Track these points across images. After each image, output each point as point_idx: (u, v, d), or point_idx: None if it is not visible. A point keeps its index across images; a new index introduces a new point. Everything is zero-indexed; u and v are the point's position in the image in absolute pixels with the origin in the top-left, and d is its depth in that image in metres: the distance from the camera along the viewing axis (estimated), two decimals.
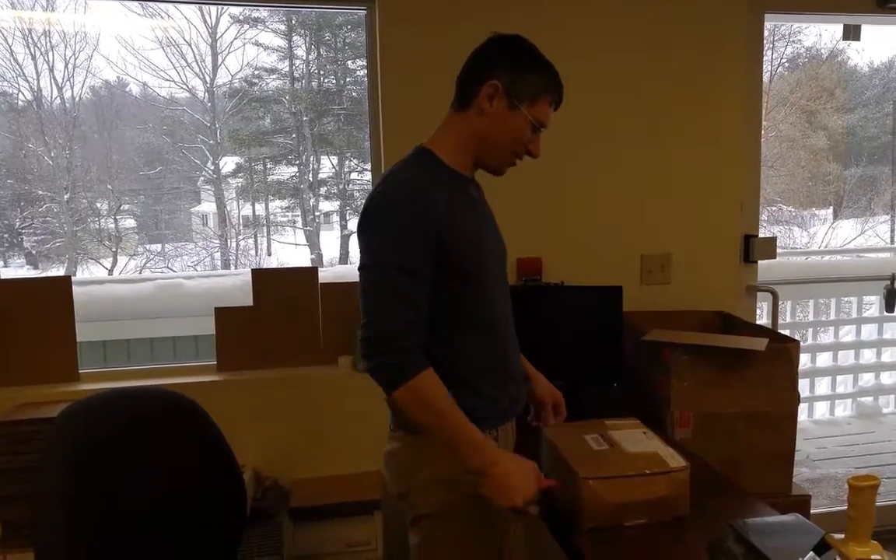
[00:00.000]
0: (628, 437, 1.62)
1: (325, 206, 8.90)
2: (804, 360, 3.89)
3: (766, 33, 2.73)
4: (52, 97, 8.03)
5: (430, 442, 1.41)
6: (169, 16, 7.43)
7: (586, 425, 1.69)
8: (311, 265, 5.47)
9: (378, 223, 1.36)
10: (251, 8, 7.06)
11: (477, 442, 1.33)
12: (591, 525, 1.44)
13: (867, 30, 2.89)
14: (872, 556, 1.02)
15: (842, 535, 1.08)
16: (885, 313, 3.58)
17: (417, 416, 1.34)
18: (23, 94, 7.84)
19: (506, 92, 1.40)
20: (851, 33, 2.85)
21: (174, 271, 8.49)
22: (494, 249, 1.54)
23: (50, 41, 7.67)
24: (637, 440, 1.61)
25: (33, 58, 7.65)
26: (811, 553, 1.08)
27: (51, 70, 7.81)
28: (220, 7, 7.37)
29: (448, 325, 1.41)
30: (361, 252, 1.38)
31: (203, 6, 6.83)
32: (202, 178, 8.94)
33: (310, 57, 8.58)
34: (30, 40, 7.56)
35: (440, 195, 1.38)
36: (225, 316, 2.43)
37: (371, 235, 1.37)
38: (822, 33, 8.46)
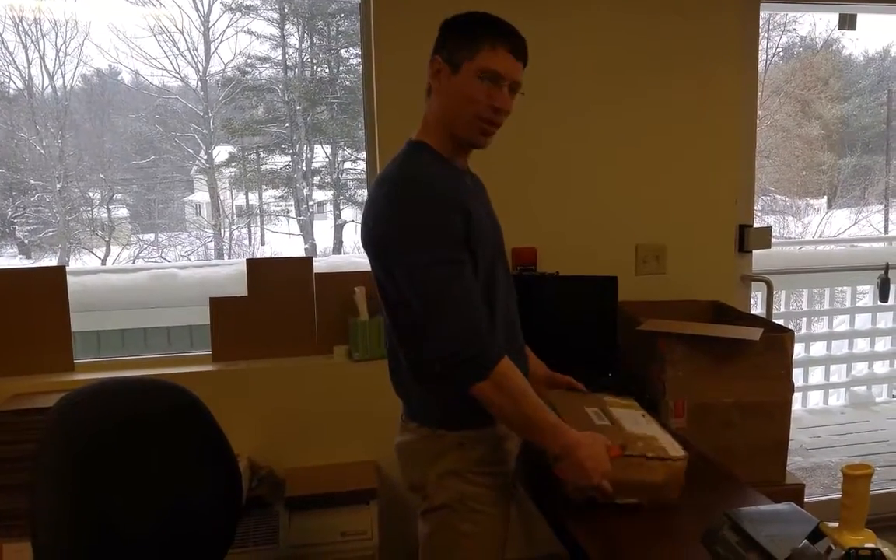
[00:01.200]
0: (627, 416, 1.61)
1: (318, 195, 8.87)
2: (798, 349, 3.90)
3: (761, 22, 2.72)
4: (43, 86, 7.97)
5: (445, 434, 1.42)
6: (161, 3, 7.38)
7: (586, 398, 1.67)
8: (305, 255, 5.45)
9: (416, 223, 1.33)
10: None
11: (555, 425, 1.35)
12: (583, 497, 1.43)
13: (862, 18, 2.89)
14: (866, 544, 1.03)
15: (836, 524, 1.09)
16: (879, 303, 3.60)
17: (500, 405, 1.32)
18: (14, 82, 7.78)
19: (447, 62, 1.38)
20: (847, 22, 2.84)
21: (168, 261, 8.47)
22: (496, 236, 1.54)
23: (41, 29, 7.60)
24: (637, 421, 1.60)
25: (24, 46, 7.58)
26: (805, 541, 1.09)
27: (42, 58, 7.74)
28: None
29: None
30: (406, 254, 1.33)
31: None
32: (195, 167, 8.89)
33: (303, 45, 8.53)
34: (20, 28, 7.49)
35: (454, 185, 1.39)
36: (220, 305, 2.42)
37: (412, 236, 1.32)
38: (816, 22, 8.46)
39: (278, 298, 2.42)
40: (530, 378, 1.61)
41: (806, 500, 2.23)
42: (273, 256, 2.48)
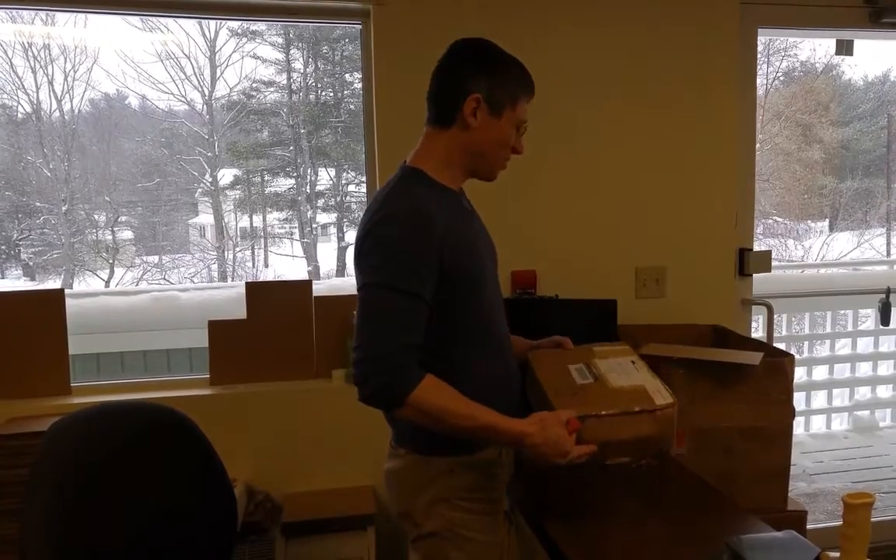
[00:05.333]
0: (615, 366, 1.51)
1: (322, 218, 8.90)
2: (800, 373, 3.88)
3: (760, 47, 2.74)
4: (51, 110, 8.05)
5: (433, 460, 1.41)
6: (168, 30, 7.47)
7: (572, 353, 1.59)
8: (306, 278, 5.46)
9: (380, 246, 1.33)
10: (249, 21, 7.08)
11: (499, 425, 1.32)
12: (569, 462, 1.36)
13: (860, 44, 2.90)
14: None
15: (837, 553, 1.07)
16: (881, 326, 3.58)
17: (432, 424, 1.32)
18: (22, 106, 7.86)
19: (487, 101, 1.40)
20: (844, 48, 2.86)
21: (171, 283, 8.49)
22: (491, 261, 1.54)
23: (50, 54, 7.69)
24: (624, 370, 1.51)
25: (33, 71, 7.67)
26: None
27: (50, 83, 7.83)
28: (218, 21, 7.40)
29: (448, 342, 1.39)
30: (363, 274, 1.35)
31: (202, 20, 6.86)
32: (200, 189, 8.94)
33: (307, 70, 8.61)
34: (30, 54, 7.58)
35: (440, 215, 1.36)
36: (218, 328, 2.42)
37: (372, 258, 1.34)
38: (816, 47, 8.51)
39: (277, 322, 2.42)
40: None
41: (809, 526, 2.20)
42: (272, 280, 2.48)
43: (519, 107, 1.43)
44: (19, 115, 7.91)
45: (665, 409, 1.39)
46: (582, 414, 1.35)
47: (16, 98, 7.76)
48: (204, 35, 8.11)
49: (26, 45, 7.36)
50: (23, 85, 7.63)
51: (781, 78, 9.08)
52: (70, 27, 7.38)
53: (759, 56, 2.77)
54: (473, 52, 1.45)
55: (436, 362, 1.34)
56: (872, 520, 1.09)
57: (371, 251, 1.34)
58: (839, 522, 1.05)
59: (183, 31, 7.69)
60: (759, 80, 2.81)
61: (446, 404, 1.31)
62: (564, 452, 1.32)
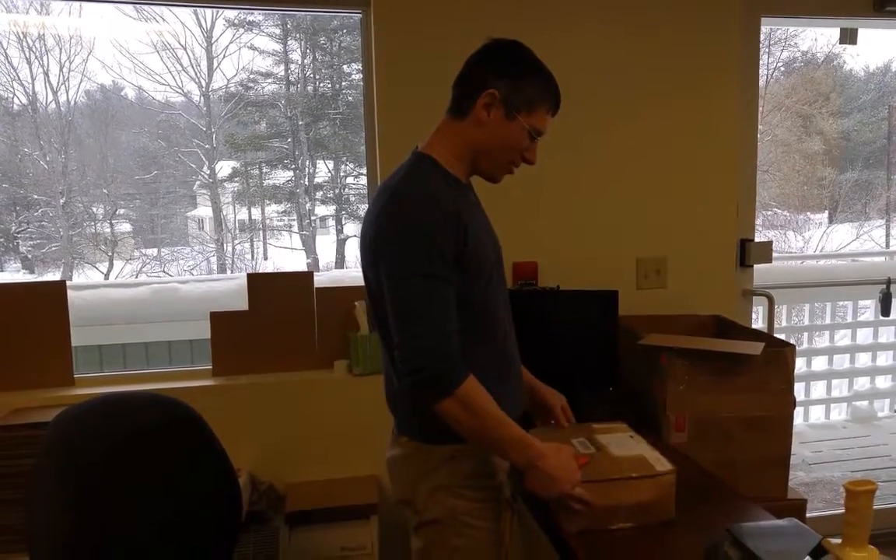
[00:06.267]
0: (615, 440, 1.62)
1: (321, 210, 8.89)
2: (800, 363, 3.90)
3: (762, 37, 2.74)
4: (47, 101, 8.02)
5: (435, 448, 1.42)
6: (164, 19, 7.43)
7: (573, 430, 1.69)
8: (306, 269, 5.46)
9: (408, 233, 1.33)
10: (246, 11, 7.05)
11: (522, 439, 1.36)
12: (576, 528, 1.45)
13: (863, 34, 2.90)
14: None
15: (839, 540, 1.08)
16: (881, 317, 3.59)
17: (465, 422, 1.31)
18: (18, 98, 7.83)
19: (503, 101, 1.39)
20: (848, 37, 2.85)
21: (170, 275, 8.49)
22: (495, 252, 1.54)
23: (45, 45, 7.66)
24: (623, 444, 1.60)
25: (28, 62, 7.64)
26: (808, 557, 1.08)
27: (46, 74, 7.79)
28: (214, 11, 7.36)
29: (467, 332, 1.39)
30: (393, 264, 1.34)
31: (198, 9, 6.82)
32: (198, 182, 8.92)
33: (305, 61, 8.59)
34: (25, 44, 7.54)
35: (453, 200, 1.37)
36: (220, 320, 2.42)
37: (402, 245, 1.33)
38: (817, 37, 8.49)
39: (279, 313, 2.42)
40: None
41: (808, 515, 2.21)
42: (274, 271, 2.47)
43: (535, 114, 1.42)
44: (15, 107, 7.88)
45: (665, 476, 1.47)
46: (586, 479, 1.43)
47: (11, 89, 7.73)
48: (200, 25, 8.07)
49: (21, 36, 7.33)
50: (18, 76, 7.60)
51: (782, 68, 9.06)
52: (65, 17, 7.34)
53: (760, 46, 2.77)
54: (504, 51, 1.44)
55: None
56: None
57: (396, 239, 1.34)
58: (838, 511, 1.07)
59: (178, 21, 7.66)
60: (759, 71, 2.80)
61: (486, 405, 1.33)
62: (573, 482, 1.39)
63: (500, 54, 1.44)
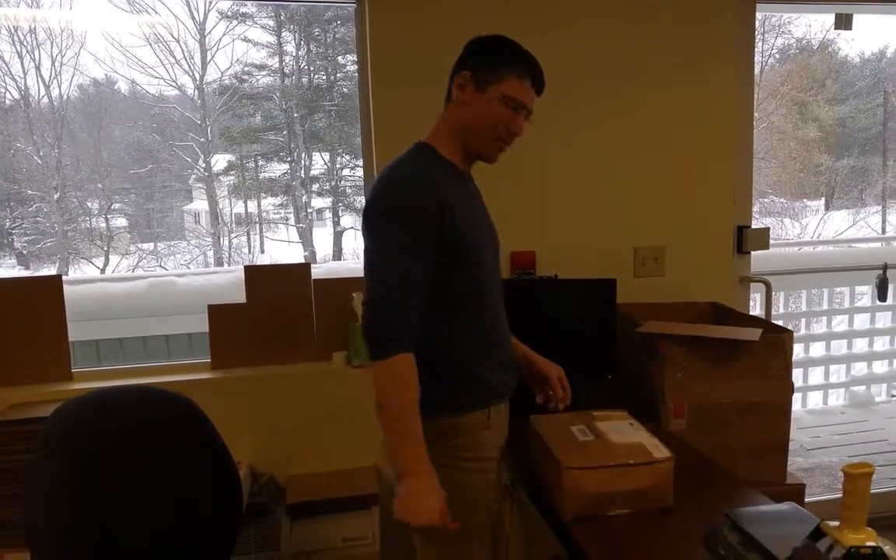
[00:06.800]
0: (614, 427, 1.63)
1: (317, 202, 8.88)
2: (797, 350, 3.91)
3: (756, 24, 2.73)
4: (39, 96, 7.98)
5: (426, 423, 1.42)
6: (155, 11, 7.38)
7: (573, 417, 1.69)
8: (304, 262, 5.45)
9: (390, 209, 1.42)
10: (239, 3, 7.00)
11: (418, 449, 1.36)
12: (574, 514, 1.46)
13: (858, 19, 2.89)
14: (867, 543, 1.02)
15: (837, 523, 1.09)
16: (878, 302, 3.61)
17: (380, 393, 1.38)
18: (10, 92, 7.78)
19: (473, 78, 1.47)
20: (843, 22, 2.84)
21: (166, 270, 8.46)
22: (490, 240, 1.59)
23: (36, 39, 7.61)
24: (623, 431, 1.61)
25: (20, 56, 7.59)
26: (807, 540, 1.09)
27: (37, 68, 7.75)
28: (207, 1, 7.31)
29: (445, 308, 1.46)
30: (372, 236, 1.43)
31: (190, 0, 6.77)
32: (194, 176, 8.90)
33: (300, 53, 8.55)
34: (16, 38, 7.49)
35: (442, 184, 1.44)
36: (218, 313, 2.42)
37: (384, 220, 1.42)
38: (812, 23, 8.48)
39: (277, 305, 2.42)
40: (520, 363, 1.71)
41: (806, 499, 2.22)
42: (271, 263, 2.48)
43: (506, 83, 1.46)
44: (7, 102, 7.84)
45: (663, 463, 1.48)
46: (584, 465, 1.46)
47: (3, 84, 7.69)
48: (193, 17, 8.02)
49: (12, 30, 7.27)
50: (10, 70, 7.55)
51: (777, 55, 9.05)
52: (56, 10, 7.28)
53: (755, 32, 2.76)
54: (477, 40, 1.53)
55: (426, 323, 1.42)
56: None
57: (376, 215, 1.43)
58: (836, 495, 1.07)
59: (171, 14, 7.61)
60: (755, 58, 2.79)
61: (403, 391, 1.36)
62: (426, 518, 1.34)
63: (476, 41, 1.52)
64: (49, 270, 7.87)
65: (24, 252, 8.26)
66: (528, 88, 1.50)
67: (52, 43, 7.69)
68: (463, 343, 1.49)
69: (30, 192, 8.15)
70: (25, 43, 7.59)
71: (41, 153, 8.11)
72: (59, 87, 8.04)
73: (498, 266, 1.63)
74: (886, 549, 1.02)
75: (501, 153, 1.55)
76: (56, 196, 8.13)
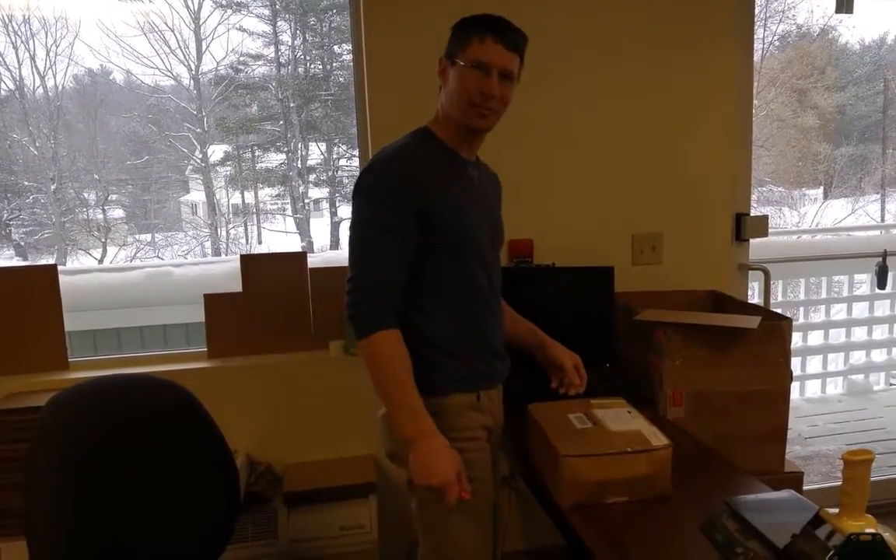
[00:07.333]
0: (612, 415, 1.62)
1: (314, 193, 8.86)
2: (796, 338, 3.91)
3: (757, 10, 2.71)
4: (34, 86, 7.94)
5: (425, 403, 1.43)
6: (150, 0, 7.33)
7: (571, 404, 1.69)
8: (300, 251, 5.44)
9: (367, 187, 1.45)
10: None
11: (418, 414, 1.39)
12: (571, 502, 1.45)
13: (859, 5, 2.85)
14: (867, 530, 1.02)
15: (836, 510, 1.08)
16: (877, 290, 3.60)
17: (372, 370, 1.41)
18: (5, 83, 7.75)
19: (447, 57, 1.51)
20: (844, 6, 2.81)
21: (163, 260, 8.45)
22: (485, 230, 1.57)
23: (30, 29, 7.57)
24: (621, 419, 1.61)
25: (14, 46, 7.55)
26: (806, 527, 1.08)
27: (32, 59, 7.71)
28: None
29: (425, 292, 1.48)
30: (352, 213, 1.48)
31: None
32: (190, 166, 8.87)
33: (295, 42, 8.51)
34: (10, 28, 7.45)
35: (427, 166, 1.47)
36: (214, 302, 2.41)
37: (360, 198, 1.46)
38: (813, 9, 8.44)
39: (273, 294, 2.41)
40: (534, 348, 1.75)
41: (804, 488, 2.22)
42: (267, 252, 2.46)
43: (469, 48, 1.46)
44: (2, 92, 7.80)
45: (660, 451, 1.47)
46: (581, 453, 1.45)
47: None
48: (187, 6, 7.98)
49: (6, 19, 7.23)
50: (4, 61, 7.52)
51: (777, 43, 9.02)
52: None
53: (755, 19, 2.74)
54: (453, 24, 1.53)
55: (406, 304, 1.45)
56: None
57: (357, 193, 1.47)
58: (834, 483, 1.07)
59: (165, 2, 7.56)
60: (755, 45, 2.77)
61: (394, 363, 1.40)
62: (446, 479, 1.36)
63: (453, 27, 1.54)
64: (47, 262, 7.86)
65: (22, 243, 8.25)
66: (493, 46, 1.46)
67: (46, 32, 7.66)
68: (443, 329, 1.50)
69: (26, 183, 8.13)
70: (20, 33, 7.55)
71: (37, 144, 8.08)
72: (55, 77, 8.01)
73: (495, 258, 1.62)
74: (886, 535, 1.01)
75: (488, 119, 1.50)
76: (53, 187, 8.11)
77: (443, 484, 1.36)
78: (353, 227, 1.46)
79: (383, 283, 1.42)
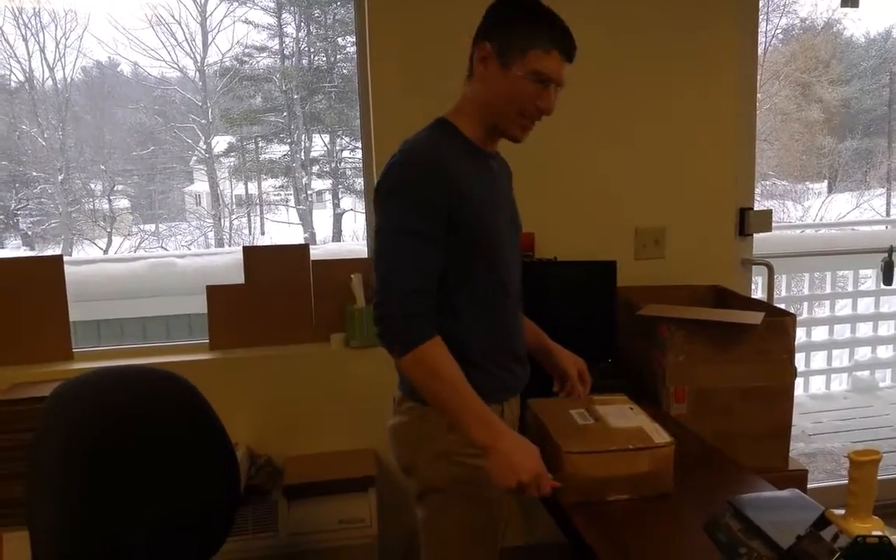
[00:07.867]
0: (614, 412, 1.61)
1: (317, 184, 8.87)
2: (800, 334, 3.88)
3: (760, 3, 2.68)
4: (43, 78, 7.97)
5: (438, 415, 1.38)
6: None
7: (573, 401, 1.67)
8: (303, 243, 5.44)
9: (395, 189, 1.35)
10: None
11: (484, 415, 1.31)
12: (573, 499, 1.44)
13: None
14: (874, 532, 1.00)
15: (842, 511, 1.07)
16: (883, 286, 3.57)
17: (425, 384, 1.32)
18: (15, 75, 7.78)
19: (496, 53, 1.36)
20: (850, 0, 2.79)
21: (167, 250, 8.48)
22: (509, 227, 1.52)
23: (40, 21, 7.59)
24: (623, 415, 1.59)
25: (24, 39, 7.58)
26: (811, 528, 1.07)
27: (42, 51, 7.73)
28: None
29: (457, 298, 1.40)
30: (379, 216, 1.36)
31: None
32: (195, 157, 8.89)
33: (300, 34, 8.50)
34: (20, 21, 7.47)
35: (455, 164, 1.36)
36: (217, 294, 2.40)
37: (388, 200, 1.35)
38: (817, 3, 8.38)
39: (275, 286, 2.40)
40: (538, 352, 1.67)
41: (809, 485, 2.21)
42: (270, 244, 2.46)
43: (531, 57, 1.35)
44: (12, 84, 7.83)
45: (663, 448, 1.46)
46: (584, 450, 1.43)
47: (8, 67, 7.68)
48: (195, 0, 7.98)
49: (16, 12, 7.25)
50: (14, 53, 7.54)
51: (780, 36, 8.96)
52: None
53: (759, 12, 2.72)
54: (499, 5, 1.41)
55: (438, 312, 1.35)
56: None
57: (384, 195, 1.36)
58: (839, 482, 1.06)
59: None
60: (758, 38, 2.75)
61: (446, 371, 1.30)
62: (534, 472, 1.29)
63: (499, 7, 1.41)
64: (53, 251, 7.89)
65: (29, 233, 8.28)
66: (558, 60, 1.37)
67: (56, 25, 7.68)
68: (476, 337, 1.42)
69: (34, 173, 8.16)
70: (30, 25, 7.57)
71: (45, 135, 8.11)
72: (63, 69, 8.03)
73: (516, 254, 1.56)
74: (894, 538, 1.00)
75: (527, 132, 1.44)
76: (60, 177, 8.14)
77: (533, 478, 1.29)
78: (384, 231, 1.34)
79: (419, 293, 1.31)
